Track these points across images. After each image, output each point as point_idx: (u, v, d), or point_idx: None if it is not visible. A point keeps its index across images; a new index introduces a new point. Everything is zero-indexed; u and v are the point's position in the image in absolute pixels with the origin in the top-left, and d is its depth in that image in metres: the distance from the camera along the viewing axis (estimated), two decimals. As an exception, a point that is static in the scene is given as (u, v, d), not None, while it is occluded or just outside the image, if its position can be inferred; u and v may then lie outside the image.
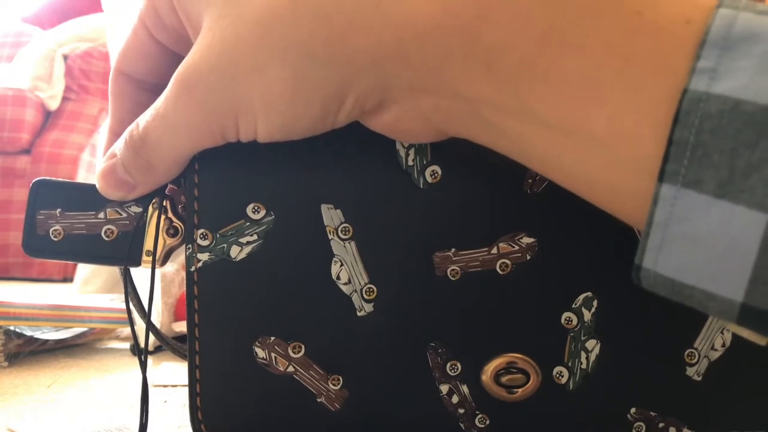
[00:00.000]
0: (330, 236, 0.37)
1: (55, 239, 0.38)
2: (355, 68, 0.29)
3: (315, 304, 0.37)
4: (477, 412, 0.38)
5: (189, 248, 0.37)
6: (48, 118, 2.31)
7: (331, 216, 0.37)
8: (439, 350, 0.37)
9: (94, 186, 0.38)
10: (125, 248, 0.38)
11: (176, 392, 0.64)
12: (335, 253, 0.37)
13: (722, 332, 0.37)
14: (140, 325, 0.70)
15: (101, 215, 0.38)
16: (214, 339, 0.37)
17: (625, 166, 0.26)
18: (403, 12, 0.28)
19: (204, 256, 0.37)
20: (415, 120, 0.32)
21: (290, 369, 0.37)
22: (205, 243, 0.37)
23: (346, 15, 0.28)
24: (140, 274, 0.41)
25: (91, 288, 1.34)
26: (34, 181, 0.39)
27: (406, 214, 0.37)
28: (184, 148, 0.34)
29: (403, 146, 0.37)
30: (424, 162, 0.37)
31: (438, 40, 0.28)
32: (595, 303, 0.37)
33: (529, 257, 0.37)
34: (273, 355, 0.37)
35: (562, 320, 0.37)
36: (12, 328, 0.77)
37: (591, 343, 0.37)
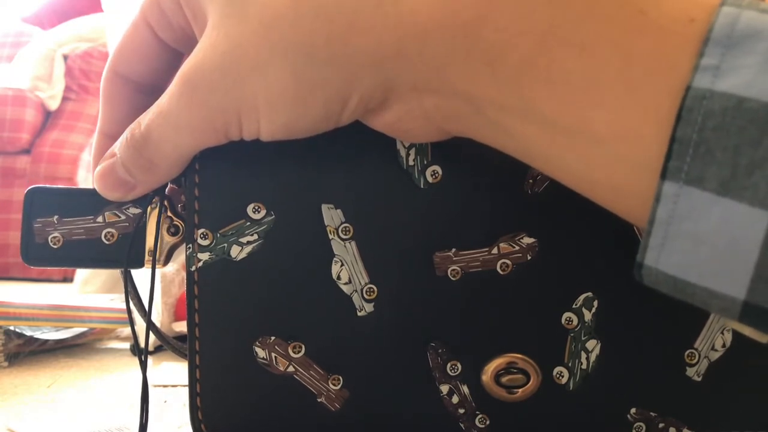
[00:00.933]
0: (330, 236, 0.37)
1: (55, 246, 0.38)
2: (356, 68, 0.29)
3: (315, 304, 0.37)
4: (477, 412, 0.38)
5: (189, 248, 0.37)
6: (48, 118, 2.31)
7: (331, 216, 0.37)
8: (440, 350, 0.37)
9: (90, 190, 0.38)
10: (126, 250, 0.38)
11: (176, 392, 0.64)
12: (336, 253, 0.37)
13: (723, 333, 0.37)
14: (140, 325, 0.70)
15: (100, 219, 0.38)
16: (215, 339, 0.37)
17: (628, 165, 0.26)
18: (403, 12, 0.28)
19: (204, 256, 0.37)
20: (418, 119, 0.32)
21: (290, 369, 0.37)
22: (206, 243, 0.37)
23: (347, 15, 0.28)
24: (141, 275, 0.41)
25: (91, 288, 1.34)
26: (27, 189, 0.39)
27: (406, 214, 0.37)
28: (186, 146, 0.34)
29: (404, 146, 0.37)
30: (425, 162, 0.37)
31: (439, 39, 0.28)
32: (595, 303, 0.37)
33: (529, 257, 0.37)
34: (273, 354, 0.37)
35: (563, 320, 0.37)
36: (12, 328, 0.77)
37: (591, 344, 0.37)
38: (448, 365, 0.37)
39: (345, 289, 0.37)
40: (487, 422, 0.38)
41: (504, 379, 0.37)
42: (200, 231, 0.37)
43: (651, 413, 0.38)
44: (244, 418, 0.38)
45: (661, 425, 0.38)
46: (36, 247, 0.38)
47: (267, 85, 0.30)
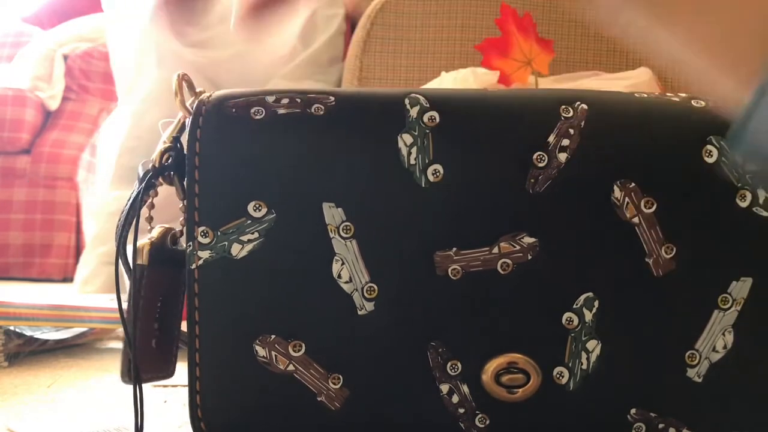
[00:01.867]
0: (331, 235, 0.37)
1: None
2: None
3: (316, 303, 0.37)
4: (477, 411, 0.38)
5: (190, 246, 0.37)
6: (48, 118, 2.30)
7: (332, 214, 0.37)
8: (440, 349, 0.37)
9: None
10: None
11: (176, 392, 0.64)
12: (336, 251, 0.37)
13: (724, 334, 0.37)
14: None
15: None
16: (215, 337, 0.37)
17: None
18: None
19: (205, 254, 0.37)
20: None
21: (290, 368, 0.37)
22: (206, 241, 0.37)
23: None
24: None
25: (91, 288, 1.34)
26: None
27: (407, 213, 0.37)
28: None
29: (405, 145, 0.37)
30: (426, 161, 0.37)
31: None
32: (596, 303, 0.37)
33: (530, 257, 0.37)
34: (273, 353, 0.37)
35: (563, 320, 0.37)
36: (12, 328, 0.77)
37: (592, 344, 0.37)
38: (448, 365, 0.37)
39: (345, 287, 0.37)
40: (487, 422, 0.38)
41: (504, 379, 0.37)
42: (200, 229, 0.37)
43: (651, 414, 0.38)
44: (244, 417, 0.38)
45: (661, 426, 0.38)
46: None
47: None
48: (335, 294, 0.37)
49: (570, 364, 0.37)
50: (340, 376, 0.37)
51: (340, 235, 0.37)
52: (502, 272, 0.37)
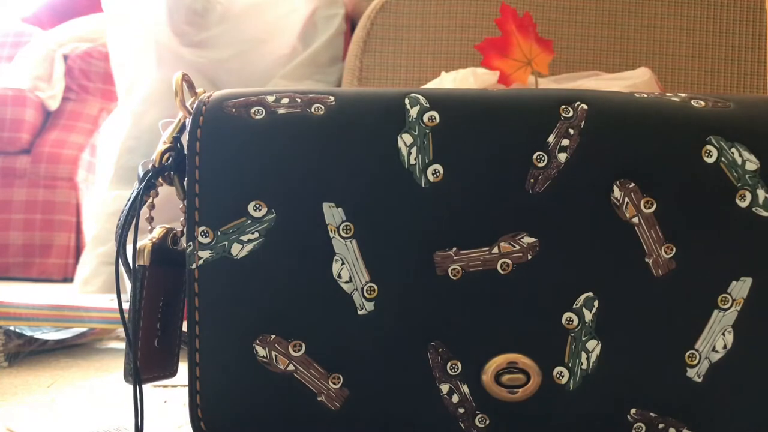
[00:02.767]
0: (331, 234, 0.37)
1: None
2: None
3: (316, 303, 0.37)
4: (477, 411, 0.38)
5: (190, 245, 0.37)
6: (48, 118, 2.30)
7: (332, 214, 0.37)
8: (440, 349, 0.37)
9: None
10: None
11: (176, 392, 0.64)
12: (336, 251, 0.37)
13: (724, 334, 0.37)
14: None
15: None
16: (215, 337, 0.37)
17: None
18: None
19: (205, 254, 0.37)
20: None
21: (290, 367, 0.37)
22: (206, 240, 0.37)
23: None
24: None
25: (91, 288, 1.34)
26: None
27: (407, 213, 0.37)
28: None
29: (405, 145, 0.37)
30: (426, 161, 0.37)
31: None
32: (596, 303, 0.37)
33: (530, 257, 0.37)
34: (273, 353, 0.37)
35: (563, 320, 0.37)
36: (12, 328, 0.77)
37: (592, 344, 0.37)
38: (448, 364, 0.37)
39: (345, 287, 0.37)
40: (487, 422, 0.38)
41: (504, 379, 0.37)
42: (201, 229, 0.37)
43: (651, 414, 0.38)
44: (244, 417, 0.38)
45: (661, 426, 0.38)
46: None
47: None
48: (335, 294, 0.37)
49: (570, 364, 0.37)
50: (340, 376, 0.37)
51: (340, 235, 0.37)
52: (502, 272, 0.37)
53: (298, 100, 0.39)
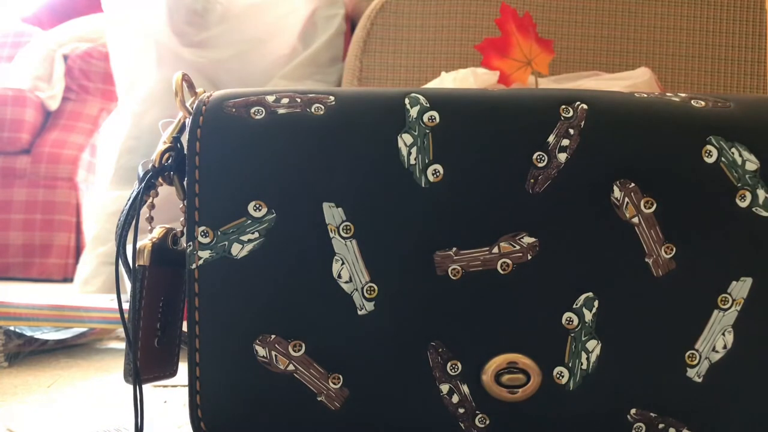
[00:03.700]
0: (331, 234, 0.37)
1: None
2: None
3: (316, 303, 0.37)
4: (477, 411, 0.38)
5: (190, 245, 0.37)
6: (48, 118, 2.30)
7: (332, 214, 0.37)
8: (440, 349, 0.37)
9: None
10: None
11: (176, 392, 0.64)
12: (336, 251, 0.37)
13: (724, 334, 0.37)
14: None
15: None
16: (215, 337, 0.37)
17: None
18: None
19: (205, 254, 0.37)
20: None
21: (290, 367, 0.37)
22: (206, 240, 0.37)
23: None
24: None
25: (91, 288, 1.34)
26: None
27: (407, 213, 0.37)
28: None
29: (405, 145, 0.37)
30: (426, 161, 0.37)
31: None
32: (596, 303, 0.37)
33: (530, 257, 0.37)
34: (273, 353, 0.37)
35: (563, 320, 0.37)
36: (12, 328, 0.77)
37: (592, 344, 0.37)
38: (448, 364, 0.37)
39: (345, 287, 0.37)
40: (487, 422, 0.38)
41: (504, 379, 0.37)
42: (201, 228, 0.37)
43: (651, 414, 0.38)
44: (244, 417, 0.38)
45: (661, 426, 0.38)
46: None
47: None
48: (335, 294, 0.37)
49: (570, 364, 0.37)
50: (340, 376, 0.37)
51: (340, 235, 0.37)
52: (502, 272, 0.37)
53: (298, 100, 0.39)
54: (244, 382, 0.37)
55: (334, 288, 0.37)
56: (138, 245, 0.40)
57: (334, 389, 0.37)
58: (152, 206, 0.41)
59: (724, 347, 0.38)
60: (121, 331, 0.97)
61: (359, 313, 0.37)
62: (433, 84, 0.82)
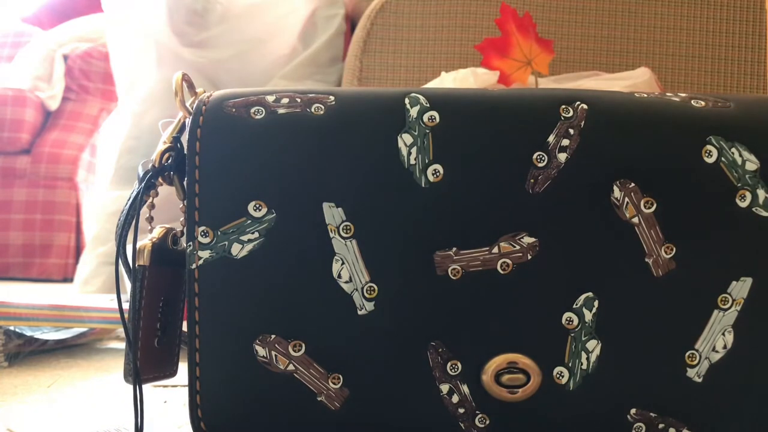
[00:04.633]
0: (331, 234, 0.37)
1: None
2: None
3: (316, 303, 0.37)
4: (477, 411, 0.38)
5: (190, 245, 0.37)
6: (48, 118, 2.30)
7: (332, 214, 0.37)
8: (440, 349, 0.37)
9: None
10: None
11: (176, 392, 0.64)
12: (336, 251, 0.37)
13: (724, 334, 0.37)
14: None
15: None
16: (215, 337, 0.37)
17: None
18: None
19: (205, 254, 0.37)
20: None
21: (290, 367, 0.37)
22: (206, 240, 0.37)
23: None
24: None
25: (91, 288, 1.34)
26: None
27: (407, 213, 0.37)
28: None
29: (405, 145, 0.37)
30: (426, 161, 0.37)
31: None
32: (596, 303, 0.37)
33: (530, 257, 0.37)
34: (273, 353, 0.37)
35: (563, 320, 0.37)
36: (12, 328, 0.77)
37: (592, 344, 0.37)
38: (448, 364, 0.37)
39: (345, 287, 0.37)
40: (487, 422, 0.38)
41: (504, 379, 0.37)
42: (201, 229, 0.37)
43: (651, 414, 0.38)
44: (244, 417, 0.38)
45: (661, 426, 0.38)
46: None
47: None
48: (335, 294, 0.37)
49: (570, 364, 0.37)
50: (340, 376, 0.37)
51: (340, 235, 0.37)
52: (501, 272, 0.37)
53: (298, 100, 0.39)
54: (244, 382, 0.37)
55: (334, 288, 0.37)
56: (138, 245, 0.40)
57: (334, 389, 0.37)
58: (152, 206, 0.41)
59: (724, 347, 0.38)
60: (121, 331, 0.97)
61: (359, 313, 0.37)
62: (433, 84, 0.82)
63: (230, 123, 0.38)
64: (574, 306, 0.37)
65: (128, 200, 0.40)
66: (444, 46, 1.01)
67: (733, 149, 0.38)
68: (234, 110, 0.38)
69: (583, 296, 0.37)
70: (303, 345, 0.37)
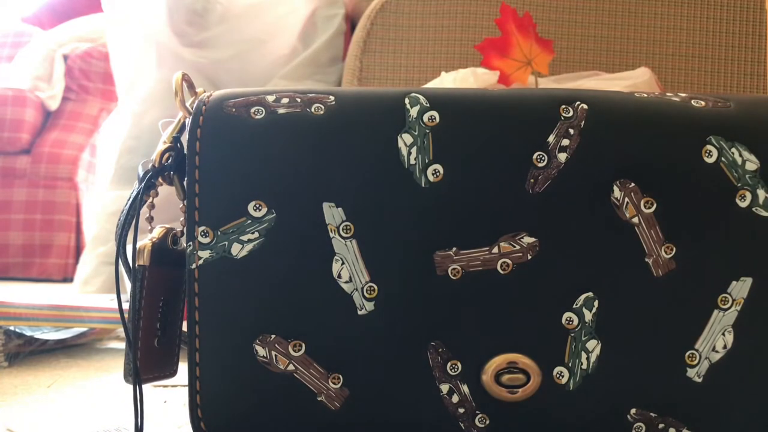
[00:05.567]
0: (331, 234, 0.37)
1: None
2: None
3: (316, 303, 0.37)
4: (477, 411, 0.38)
5: (190, 245, 0.37)
6: (48, 118, 2.30)
7: (332, 214, 0.37)
8: (440, 349, 0.37)
9: None
10: None
11: (176, 392, 0.64)
12: (336, 251, 0.37)
13: (724, 334, 0.37)
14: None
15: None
16: (215, 337, 0.37)
17: None
18: None
19: (205, 254, 0.37)
20: None
21: (290, 367, 0.37)
22: (206, 240, 0.37)
23: None
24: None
25: (91, 288, 1.34)
26: None
27: (407, 213, 0.37)
28: None
29: (405, 145, 0.37)
30: (426, 161, 0.37)
31: None
32: (596, 303, 0.37)
33: (530, 257, 0.37)
34: (273, 353, 0.37)
35: (563, 320, 0.37)
36: (12, 328, 0.77)
37: (591, 344, 0.37)
38: (448, 364, 0.37)
39: (345, 287, 0.37)
40: (487, 422, 0.38)
41: (504, 379, 0.37)
42: (201, 228, 0.37)
43: (651, 414, 0.38)
44: (244, 417, 0.38)
45: (661, 426, 0.38)
46: None
47: None
48: (335, 294, 0.37)
49: (570, 364, 0.37)
50: (340, 376, 0.37)
51: (340, 235, 0.37)
52: (501, 272, 0.37)
53: (298, 100, 0.39)
54: (244, 382, 0.37)
55: (334, 288, 0.37)
56: (138, 245, 0.40)
57: (334, 389, 0.37)
58: (152, 206, 0.41)
59: (724, 347, 0.38)
60: (121, 331, 0.97)
61: (359, 313, 0.37)
62: (433, 84, 0.82)
63: (230, 123, 0.38)
64: (574, 306, 0.37)
65: (128, 200, 0.40)
66: (444, 46, 1.01)
67: (733, 149, 0.38)
68: (234, 110, 0.38)
69: (583, 296, 0.37)
70: (303, 345, 0.37)
